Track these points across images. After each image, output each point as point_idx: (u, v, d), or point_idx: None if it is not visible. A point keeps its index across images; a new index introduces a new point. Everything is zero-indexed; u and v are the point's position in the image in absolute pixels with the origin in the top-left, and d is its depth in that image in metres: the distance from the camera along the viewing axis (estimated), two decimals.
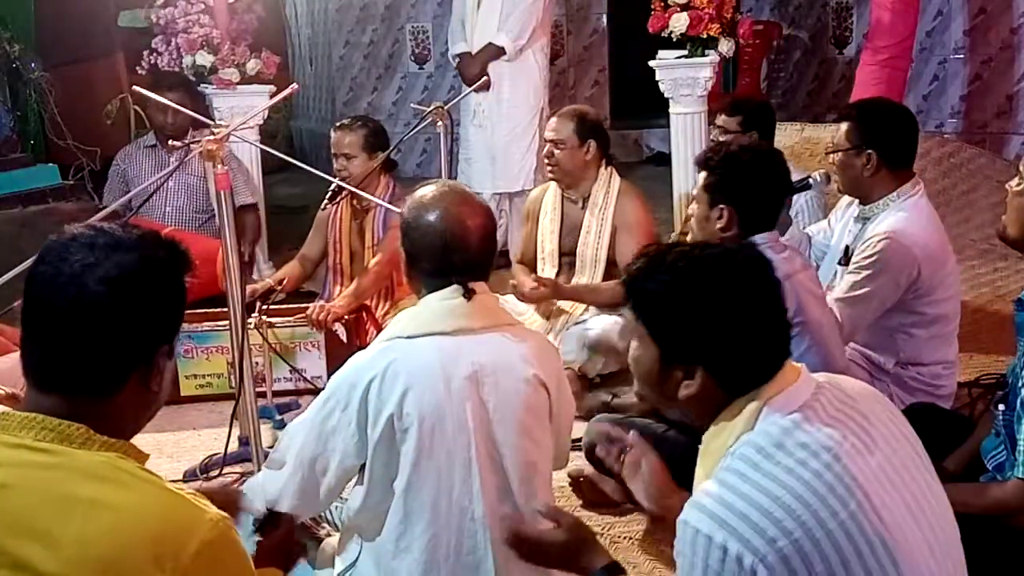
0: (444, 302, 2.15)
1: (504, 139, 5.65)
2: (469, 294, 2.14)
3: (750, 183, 2.66)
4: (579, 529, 1.78)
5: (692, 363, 1.59)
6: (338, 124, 4.22)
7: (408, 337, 2.14)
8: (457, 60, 5.72)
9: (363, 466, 2.14)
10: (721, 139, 4.28)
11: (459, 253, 2.13)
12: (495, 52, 5.56)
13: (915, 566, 1.47)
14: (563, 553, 1.77)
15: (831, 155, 3.21)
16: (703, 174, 2.75)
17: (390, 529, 2.13)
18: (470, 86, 5.30)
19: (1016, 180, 2.27)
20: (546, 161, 4.08)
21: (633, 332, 1.67)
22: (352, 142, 4.10)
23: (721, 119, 4.32)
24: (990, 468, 2.32)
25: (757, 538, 1.42)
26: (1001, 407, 2.25)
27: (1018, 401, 2.13)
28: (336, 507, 2.44)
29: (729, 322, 1.56)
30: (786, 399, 1.54)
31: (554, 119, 4.10)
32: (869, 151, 3.07)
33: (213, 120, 4.64)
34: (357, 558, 2.20)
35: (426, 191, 2.22)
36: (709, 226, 2.70)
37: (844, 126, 3.16)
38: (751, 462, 1.49)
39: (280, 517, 1.91)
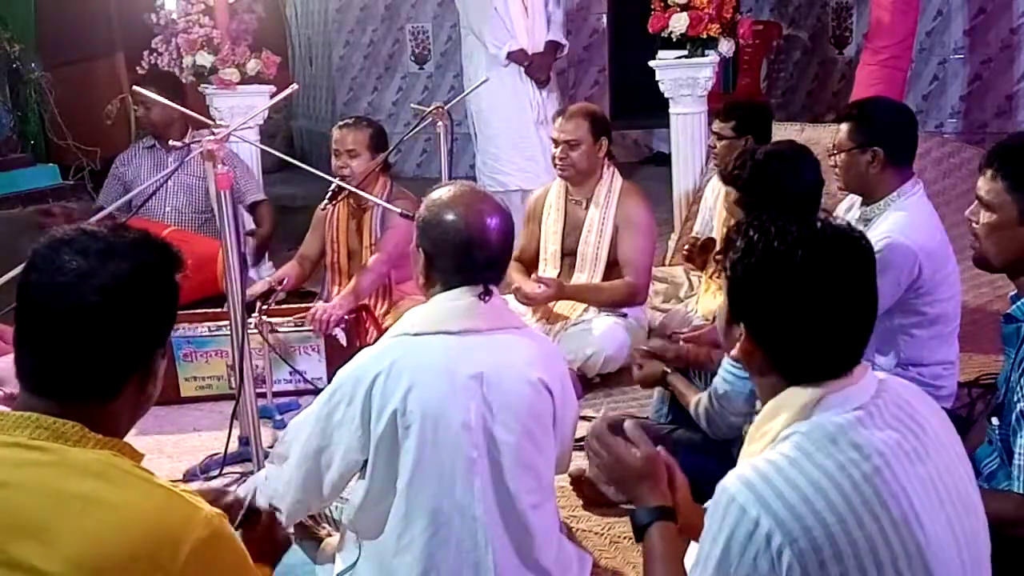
0: (454, 302, 2.16)
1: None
2: (487, 295, 2.15)
3: (782, 189, 2.68)
4: (652, 464, 1.74)
5: (744, 325, 1.56)
6: (342, 123, 4.24)
7: (415, 335, 2.15)
8: (510, 56, 5.69)
9: (366, 462, 2.15)
10: (717, 144, 4.31)
11: (481, 251, 2.15)
12: (557, 49, 5.82)
13: None
14: (627, 475, 1.75)
15: (833, 156, 3.21)
16: (730, 190, 2.75)
17: (391, 527, 2.14)
18: (542, 83, 5.64)
19: (982, 211, 2.22)
20: (558, 162, 4.08)
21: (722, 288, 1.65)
22: (358, 139, 4.12)
23: (716, 124, 4.35)
24: (984, 475, 2.32)
25: (792, 521, 1.41)
26: (995, 420, 2.24)
27: (1013, 416, 2.13)
28: (336, 506, 2.44)
29: (798, 304, 1.50)
30: (845, 397, 1.52)
31: (563, 119, 4.08)
32: (875, 148, 3.07)
33: (213, 120, 4.64)
34: (358, 558, 2.20)
35: (443, 191, 2.23)
36: None
37: (845, 126, 3.15)
38: (803, 451, 1.47)
39: (260, 512, 1.89)
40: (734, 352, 1.60)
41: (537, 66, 5.69)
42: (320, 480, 2.18)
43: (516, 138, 5.75)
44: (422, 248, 2.20)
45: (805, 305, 1.50)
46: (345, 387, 2.13)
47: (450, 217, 2.16)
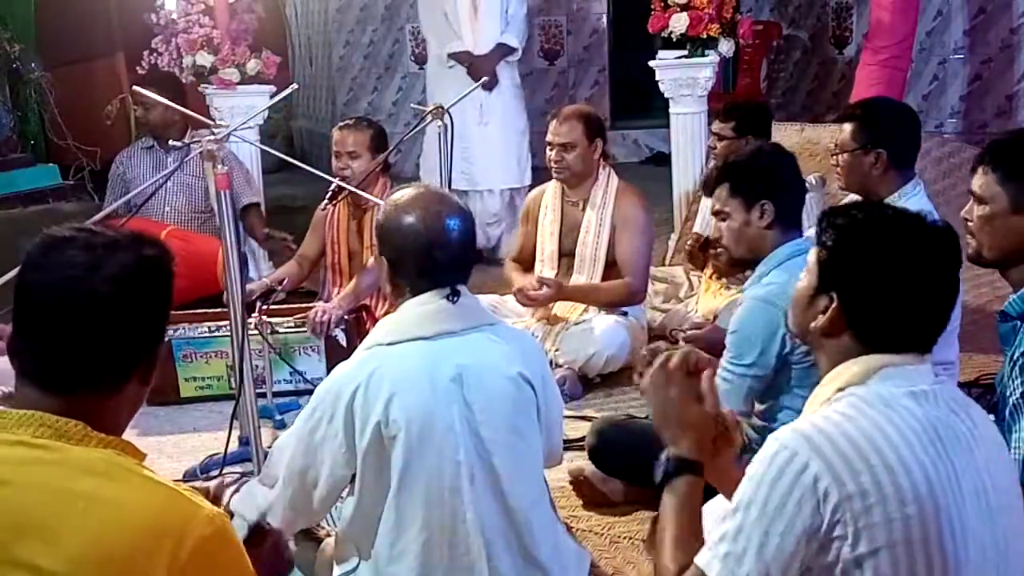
0: (424, 307, 2.14)
1: (512, 136, 5.80)
2: (455, 296, 2.14)
3: (781, 177, 2.67)
4: (708, 422, 1.69)
5: (831, 294, 1.60)
6: (342, 124, 4.24)
7: (389, 344, 2.13)
8: (452, 57, 5.75)
9: (354, 475, 2.14)
10: (717, 144, 4.31)
11: (443, 252, 2.13)
12: (506, 52, 5.74)
13: (980, 566, 1.49)
14: (680, 419, 1.69)
15: (836, 156, 3.20)
16: (725, 185, 2.71)
17: (384, 535, 2.12)
18: (486, 86, 5.48)
19: (976, 207, 2.25)
20: (553, 165, 4.07)
21: (808, 266, 1.69)
22: (359, 141, 4.12)
23: (716, 125, 4.35)
24: None
25: (842, 465, 1.44)
26: (991, 417, 2.25)
27: (1007, 411, 2.14)
28: (336, 507, 2.43)
29: (899, 276, 1.56)
30: (905, 375, 1.56)
31: (556, 122, 4.08)
32: (878, 150, 3.07)
33: (213, 120, 4.64)
34: (358, 564, 2.19)
35: (400, 195, 2.21)
36: (751, 230, 2.66)
37: (849, 126, 3.15)
38: (858, 408, 1.51)
39: (267, 530, 1.89)
40: (817, 323, 1.62)
41: (478, 68, 5.64)
42: (309, 498, 2.17)
43: (456, 139, 5.73)
44: (384, 255, 2.19)
45: (905, 277, 1.56)
46: (324, 404, 2.11)
47: (408, 220, 2.14)
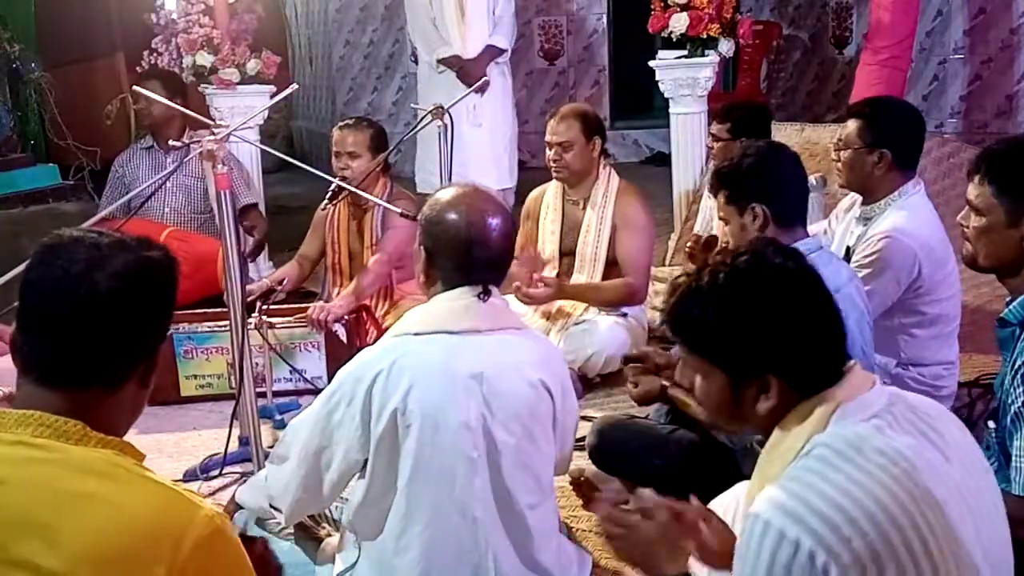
0: (455, 302, 2.16)
1: (502, 137, 5.84)
2: (485, 295, 2.16)
3: (771, 177, 2.66)
4: (667, 530, 1.69)
5: (763, 374, 1.56)
6: (342, 123, 4.23)
7: (416, 334, 2.15)
8: (442, 63, 5.78)
9: (366, 461, 2.15)
10: (714, 146, 4.30)
11: (481, 250, 2.16)
12: (496, 54, 5.75)
13: None
14: (644, 545, 1.71)
15: (839, 152, 3.20)
16: (722, 192, 2.71)
17: (391, 527, 2.14)
18: (473, 87, 5.36)
19: (972, 216, 2.25)
20: (553, 164, 4.08)
21: (692, 368, 1.64)
22: (359, 141, 4.12)
23: (713, 126, 4.35)
24: None
25: (832, 536, 1.39)
26: (991, 423, 2.25)
27: (1008, 419, 2.14)
28: (336, 506, 2.44)
29: (782, 320, 1.54)
30: (860, 406, 1.52)
31: (555, 121, 4.08)
32: (882, 150, 3.06)
33: (213, 120, 4.64)
34: (358, 558, 2.20)
35: (448, 190, 2.25)
36: (748, 234, 2.65)
37: (854, 123, 3.14)
38: (829, 463, 1.46)
39: (254, 539, 1.88)
40: (764, 407, 1.57)
41: (467, 71, 5.66)
42: (320, 480, 2.19)
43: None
44: (423, 246, 2.22)
45: (789, 314, 1.55)
46: (345, 386, 2.14)
47: (452, 216, 2.17)
